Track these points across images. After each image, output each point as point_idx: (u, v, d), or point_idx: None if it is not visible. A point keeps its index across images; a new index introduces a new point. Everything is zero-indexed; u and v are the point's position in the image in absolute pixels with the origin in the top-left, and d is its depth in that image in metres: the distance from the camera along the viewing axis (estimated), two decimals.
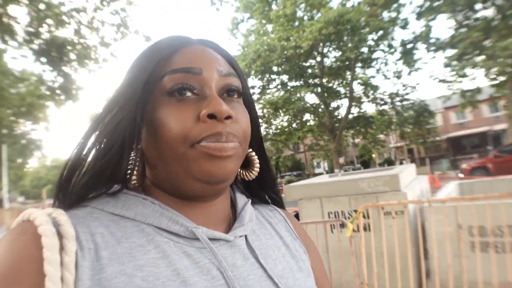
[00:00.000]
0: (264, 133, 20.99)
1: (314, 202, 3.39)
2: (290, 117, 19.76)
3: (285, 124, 20.69)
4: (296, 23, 17.55)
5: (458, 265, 2.48)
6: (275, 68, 17.56)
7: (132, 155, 0.45)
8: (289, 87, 18.53)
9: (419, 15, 14.93)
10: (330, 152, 20.36)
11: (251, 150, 0.53)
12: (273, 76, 18.47)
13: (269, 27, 18.92)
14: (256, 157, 0.53)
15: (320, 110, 19.46)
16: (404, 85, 18.65)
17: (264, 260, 0.46)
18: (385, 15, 16.71)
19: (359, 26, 15.85)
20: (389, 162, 27.05)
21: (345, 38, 16.39)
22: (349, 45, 16.29)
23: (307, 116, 20.49)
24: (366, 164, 29.01)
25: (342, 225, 3.05)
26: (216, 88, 0.44)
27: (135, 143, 0.45)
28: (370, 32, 16.26)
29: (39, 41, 8.91)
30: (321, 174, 22.33)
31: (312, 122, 20.92)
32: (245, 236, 0.47)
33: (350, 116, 19.74)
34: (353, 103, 19.43)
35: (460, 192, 4.87)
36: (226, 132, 0.41)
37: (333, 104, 20.20)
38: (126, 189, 0.45)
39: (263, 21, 18.78)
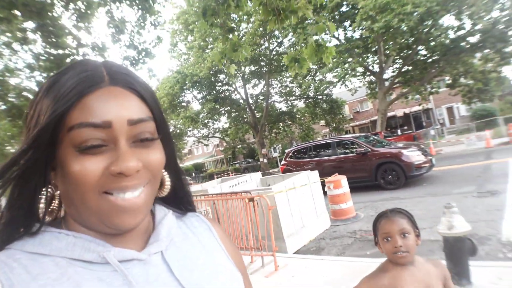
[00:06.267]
0: (212, 131, 26.63)
1: None
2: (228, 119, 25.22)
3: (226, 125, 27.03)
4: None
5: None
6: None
7: (48, 192, 0.47)
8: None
9: None
10: (265, 141, 23.72)
11: (163, 171, 0.54)
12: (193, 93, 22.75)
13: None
14: (167, 176, 0.55)
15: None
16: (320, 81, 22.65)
17: (179, 272, 0.48)
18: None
19: None
20: None
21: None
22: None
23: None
24: None
25: None
26: (128, 138, 0.44)
27: (46, 183, 0.46)
28: None
29: None
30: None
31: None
32: (161, 251, 0.50)
33: (277, 112, 23.92)
34: (281, 100, 23.53)
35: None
36: (133, 184, 0.44)
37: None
38: (45, 225, 0.47)
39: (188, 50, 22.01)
